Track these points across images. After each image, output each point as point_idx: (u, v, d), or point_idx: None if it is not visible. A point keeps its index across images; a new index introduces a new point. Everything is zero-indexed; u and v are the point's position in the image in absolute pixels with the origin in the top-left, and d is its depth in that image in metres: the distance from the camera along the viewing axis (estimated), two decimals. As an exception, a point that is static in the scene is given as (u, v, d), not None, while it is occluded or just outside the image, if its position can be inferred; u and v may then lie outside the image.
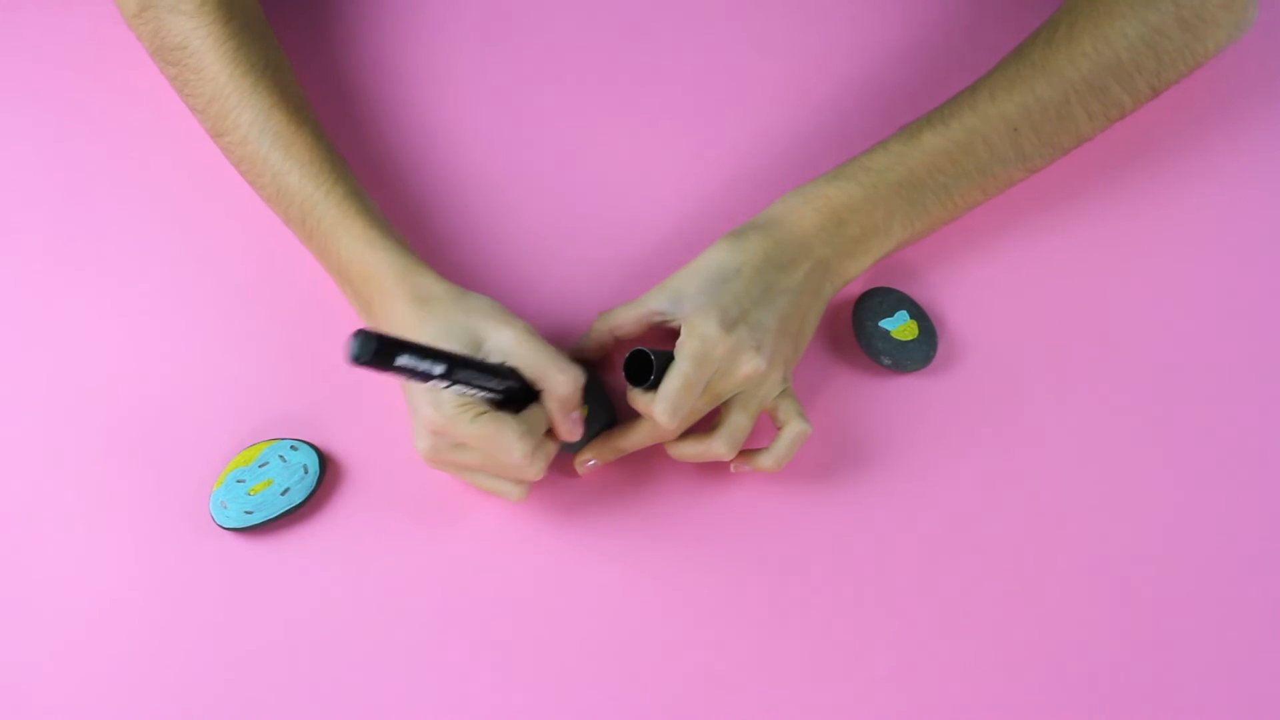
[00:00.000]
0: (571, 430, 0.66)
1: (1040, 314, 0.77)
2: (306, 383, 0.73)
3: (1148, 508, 0.71)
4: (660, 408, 0.65)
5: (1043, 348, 0.76)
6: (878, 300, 0.76)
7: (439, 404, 0.63)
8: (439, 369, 0.57)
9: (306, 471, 0.68)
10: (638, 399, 0.67)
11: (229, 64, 0.72)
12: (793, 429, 0.69)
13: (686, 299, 0.69)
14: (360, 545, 0.69)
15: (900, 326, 0.75)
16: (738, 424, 0.68)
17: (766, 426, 0.73)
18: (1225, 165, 0.82)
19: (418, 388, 0.64)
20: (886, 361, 0.75)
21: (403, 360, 0.55)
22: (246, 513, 0.67)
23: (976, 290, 0.78)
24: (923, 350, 0.75)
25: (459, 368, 0.59)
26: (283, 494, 0.68)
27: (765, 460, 0.69)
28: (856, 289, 0.79)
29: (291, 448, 0.69)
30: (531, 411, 0.65)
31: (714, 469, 0.72)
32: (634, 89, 0.85)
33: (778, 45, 0.87)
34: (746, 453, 0.70)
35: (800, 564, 0.69)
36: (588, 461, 0.70)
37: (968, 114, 0.75)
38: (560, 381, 0.64)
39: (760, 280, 0.70)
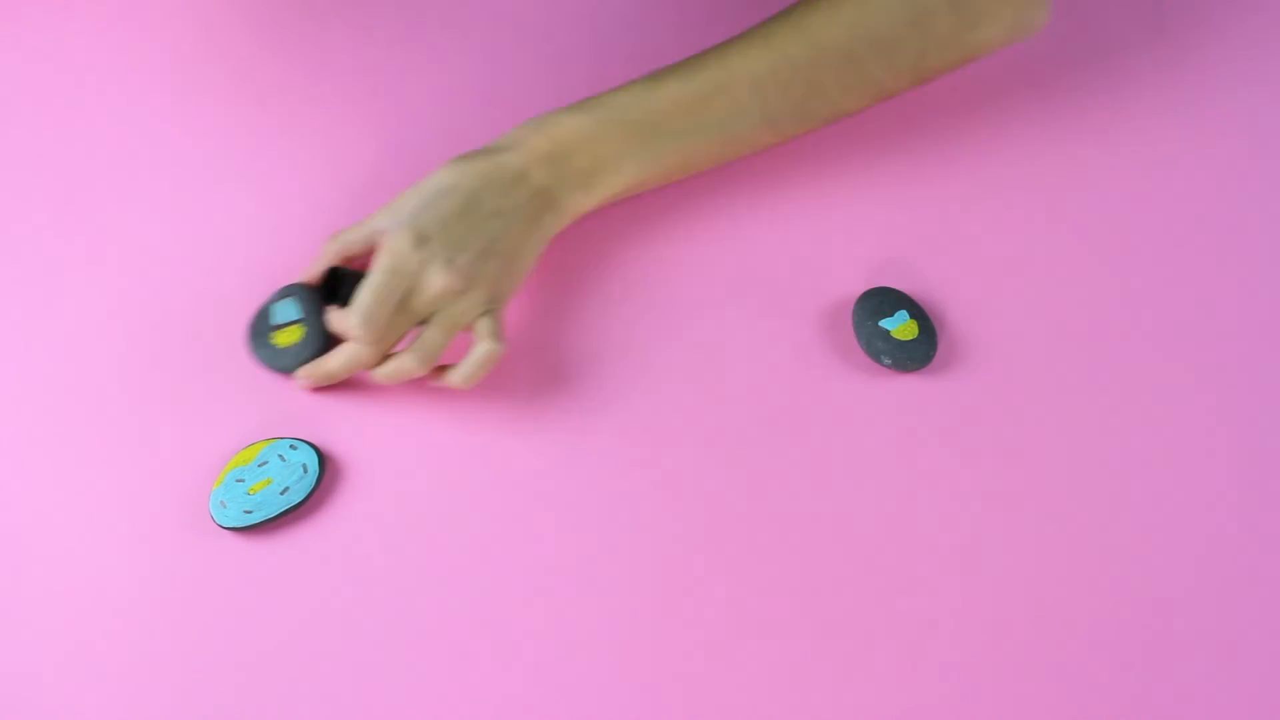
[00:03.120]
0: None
1: (1041, 312, 0.77)
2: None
3: (1153, 507, 0.71)
4: (353, 320, 0.68)
5: (1044, 346, 0.76)
6: (878, 300, 0.76)
7: None
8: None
9: (306, 470, 0.68)
10: (334, 318, 0.70)
11: None
12: (482, 347, 0.70)
13: (401, 217, 0.71)
14: (359, 544, 0.68)
15: (900, 326, 0.75)
16: (429, 339, 0.69)
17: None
18: (1232, 158, 0.82)
19: None
20: (887, 361, 0.74)
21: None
22: (246, 512, 0.67)
23: (977, 289, 0.78)
24: (923, 350, 0.74)
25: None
26: (282, 493, 0.68)
27: (454, 377, 0.70)
28: (857, 289, 0.78)
29: (291, 447, 0.69)
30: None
31: (735, 463, 0.72)
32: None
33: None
34: (440, 369, 0.71)
35: (801, 563, 0.69)
36: (300, 384, 0.72)
37: (714, 67, 0.74)
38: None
39: (470, 200, 0.71)
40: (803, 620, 0.68)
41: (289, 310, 0.73)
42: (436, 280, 0.68)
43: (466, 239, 0.70)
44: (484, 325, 0.70)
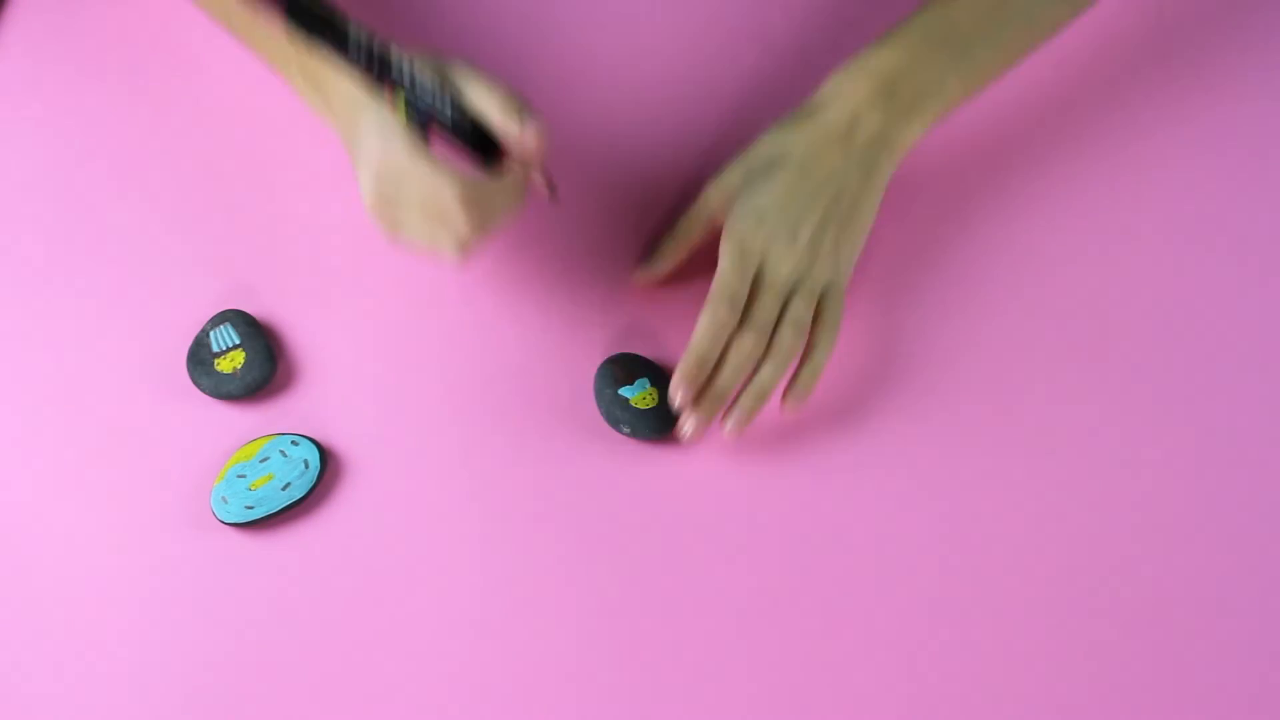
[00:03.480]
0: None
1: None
2: (308, 378, 0.70)
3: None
4: (711, 310, 0.68)
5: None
6: (619, 367, 0.78)
7: (385, 134, 0.60)
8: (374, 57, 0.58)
9: (307, 466, 0.68)
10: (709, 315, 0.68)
11: None
12: (813, 357, 0.71)
13: (734, 195, 0.71)
14: (361, 540, 0.69)
15: (640, 394, 0.77)
16: (796, 312, 0.71)
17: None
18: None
19: (371, 127, 0.61)
20: (625, 430, 0.77)
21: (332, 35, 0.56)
22: (247, 508, 0.65)
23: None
24: (662, 419, 0.77)
25: (396, 70, 0.58)
26: (284, 489, 0.66)
27: (791, 397, 0.72)
28: (598, 356, 0.80)
29: (293, 443, 0.68)
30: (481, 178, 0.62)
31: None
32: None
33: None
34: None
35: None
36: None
37: None
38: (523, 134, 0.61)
39: (803, 168, 0.70)
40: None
41: (227, 336, 0.71)
42: (787, 257, 0.67)
43: (806, 211, 0.67)
44: (828, 314, 0.69)
